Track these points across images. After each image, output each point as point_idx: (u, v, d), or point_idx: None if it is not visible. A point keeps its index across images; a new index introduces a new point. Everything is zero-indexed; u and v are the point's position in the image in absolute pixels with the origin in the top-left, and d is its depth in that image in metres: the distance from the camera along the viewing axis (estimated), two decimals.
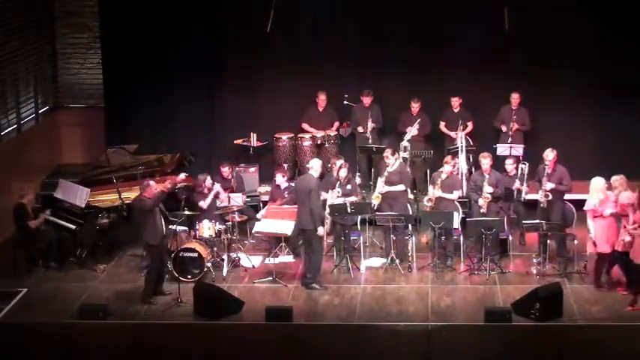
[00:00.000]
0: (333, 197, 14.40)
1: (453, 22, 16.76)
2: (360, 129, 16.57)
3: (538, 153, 14.68)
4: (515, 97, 16.35)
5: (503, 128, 16.32)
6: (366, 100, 16.66)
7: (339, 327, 12.66)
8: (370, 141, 16.44)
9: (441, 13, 16.76)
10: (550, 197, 13.92)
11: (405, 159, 15.43)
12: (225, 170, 15.30)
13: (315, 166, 13.84)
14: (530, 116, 16.43)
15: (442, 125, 16.77)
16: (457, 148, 15.84)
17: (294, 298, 13.42)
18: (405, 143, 15.88)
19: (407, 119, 16.57)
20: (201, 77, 17.13)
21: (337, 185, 14.51)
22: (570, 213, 14.34)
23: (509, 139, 16.05)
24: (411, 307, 13.12)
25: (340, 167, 14.63)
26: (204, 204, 14.57)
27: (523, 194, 14.33)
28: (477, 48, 16.72)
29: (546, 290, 12.72)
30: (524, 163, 14.60)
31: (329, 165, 15.34)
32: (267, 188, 16.01)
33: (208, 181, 14.64)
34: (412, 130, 16.20)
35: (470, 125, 16.56)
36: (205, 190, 14.62)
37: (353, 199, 14.44)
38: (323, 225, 13.81)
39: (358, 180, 15.57)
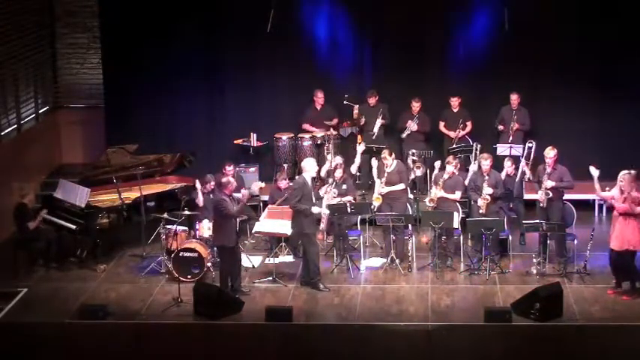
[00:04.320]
0: (329, 198, 14.39)
1: (454, 21, 16.78)
2: (356, 115, 16.58)
3: (538, 153, 14.67)
4: (514, 98, 16.35)
5: (500, 128, 16.33)
6: (372, 101, 16.66)
7: (339, 327, 12.66)
8: (375, 135, 16.43)
9: (441, 12, 16.77)
10: (550, 195, 13.91)
11: (414, 161, 15.34)
12: (230, 169, 15.27)
13: (307, 166, 13.83)
14: (530, 116, 16.43)
15: (442, 125, 16.78)
16: (458, 148, 15.86)
17: (294, 298, 13.41)
18: (409, 145, 15.89)
19: (407, 119, 16.57)
20: (201, 77, 17.13)
21: (333, 185, 14.51)
22: (570, 213, 14.35)
23: (510, 139, 16.06)
24: (411, 307, 13.11)
25: (336, 167, 14.64)
26: (199, 201, 14.57)
27: (527, 175, 14.46)
28: (477, 48, 16.74)
29: (546, 290, 12.70)
30: (532, 142, 14.66)
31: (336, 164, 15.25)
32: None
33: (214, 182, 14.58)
34: (412, 125, 16.21)
35: (469, 125, 16.58)
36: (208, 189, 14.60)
37: (349, 198, 14.43)
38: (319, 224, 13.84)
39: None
